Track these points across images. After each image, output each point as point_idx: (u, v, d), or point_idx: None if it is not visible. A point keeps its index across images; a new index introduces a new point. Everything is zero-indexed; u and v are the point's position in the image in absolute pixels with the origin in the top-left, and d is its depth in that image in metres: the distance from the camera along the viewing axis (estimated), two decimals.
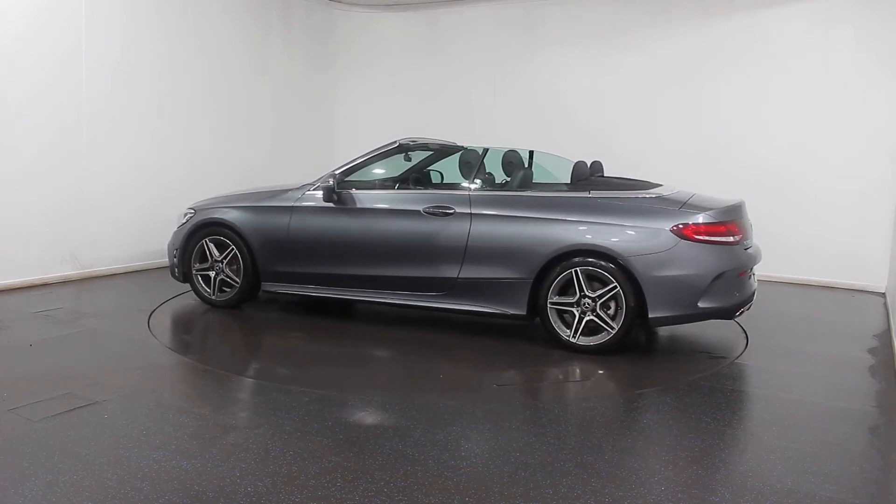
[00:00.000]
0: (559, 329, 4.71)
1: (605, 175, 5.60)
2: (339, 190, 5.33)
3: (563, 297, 4.68)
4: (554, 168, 5.68)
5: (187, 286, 5.98)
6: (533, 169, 5.71)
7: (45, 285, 6.31)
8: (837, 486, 2.92)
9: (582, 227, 4.64)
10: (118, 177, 6.96)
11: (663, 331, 5.36)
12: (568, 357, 4.63)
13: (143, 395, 3.75)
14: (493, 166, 5.54)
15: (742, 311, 4.72)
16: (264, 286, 5.58)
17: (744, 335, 5.32)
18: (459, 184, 5.56)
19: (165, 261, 6.03)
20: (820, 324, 6.08)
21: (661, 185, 5.14)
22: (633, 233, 4.55)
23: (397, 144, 5.51)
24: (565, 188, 5.16)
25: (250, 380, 4.13)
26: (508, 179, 5.42)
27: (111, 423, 3.33)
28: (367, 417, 3.62)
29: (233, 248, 5.59)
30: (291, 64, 9.12)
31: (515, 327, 5.27)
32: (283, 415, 3.51)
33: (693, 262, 4.46)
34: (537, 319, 4.82)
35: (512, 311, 4.83)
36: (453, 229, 4.96)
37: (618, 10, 8.34)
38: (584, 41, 8.56)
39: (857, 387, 4.38)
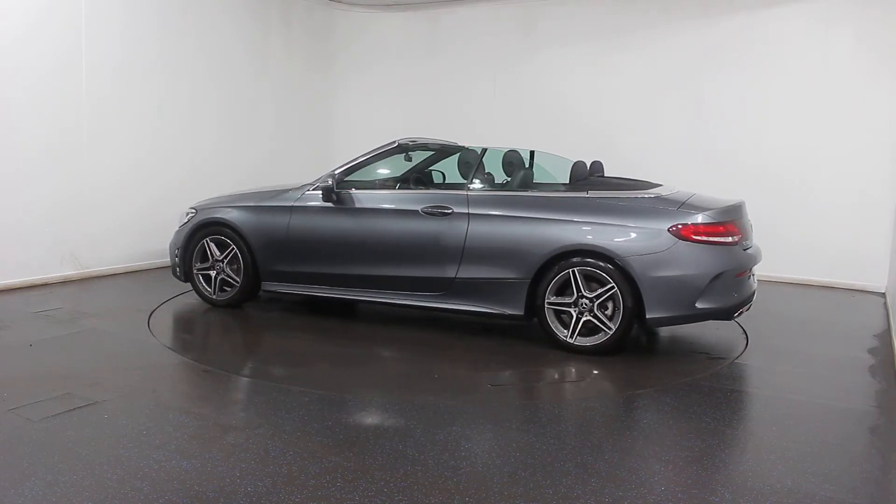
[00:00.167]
0: (557, 329, 4.70)
1: (605, 175, 5.60)
2: (338, 190, 5.34)
3: (560, 298, 4.68)
4: (554, 168, 5.68)
5: (187, 286, 5.99)
6: (533, 169, 5.70)
7: (45, 285, 6.31)
8: (837, 486, 2.92)
9: (579, 228, 4.64)
10: (118, 177, 6.96)
11: (664, 331, 5.36)
12: (565, 357, 4.63)
13: (143, 395, 3.75)
14: (494, 166, 5.54)
15: (741, 312, 4.71)
16: (264, 286, 5.59)
17: (744, 335, 5.32)
18: (457, 184, 5.56)
19: (166, 261, 6.04)
20: (820, 324, 6.08)
21: (660, 186, 5.14)
22: (630, 233, 4.54)
23: (396, 144, 5.51)
24: (563, 188, 5.15)
25: (250, 380, 4.13)
26: (509, 179, 5.42)
27: (111, 423, 3.33)
28: (367, 417, 3.62)
29: (233, 248, 5.61)
30: (291, 64, 9.12)
31: (514, 328, 5.27)
32: (283, 415, 3.51)
33: (691, 262, 4.45)
34: (535, 320, 4.82)
35: (510, 312, 4.83)
36: (451, 229, 4.97)
37: (618, 11, 8.34)
38: (584, 41, 8.57)
39: (857, 387, 4.39)
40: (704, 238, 4.48)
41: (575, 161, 5.24)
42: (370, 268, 5.22)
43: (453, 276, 4.95)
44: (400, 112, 9.44)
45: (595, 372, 4.41)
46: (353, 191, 5.38)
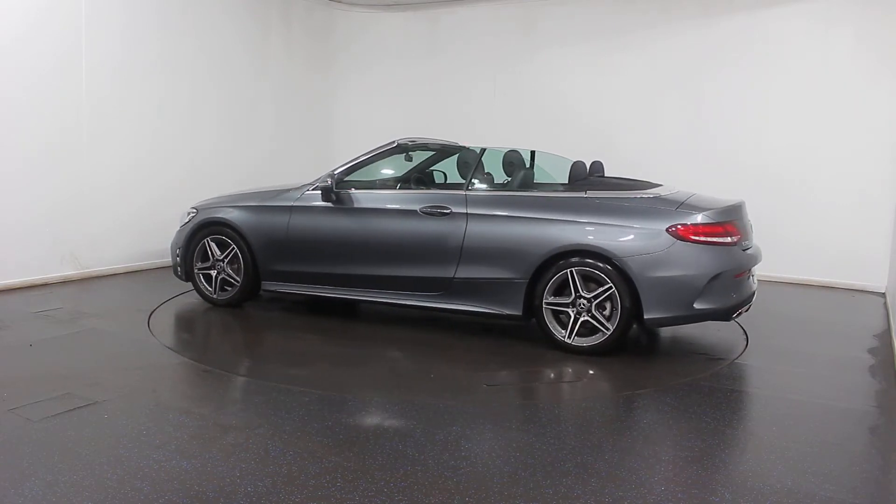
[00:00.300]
0: (554, 330, 4.69)
1: (605, 175, 5.60)
2: (337, 190, 5.35)
3: (558, 298, 4.67)
4: (555, 168, 5.67)
5: (187, 286, 6.00)
6: (534, 169, 5.70)
7: (45, 285, 6.31)
8: (837, 486, 2.92)
9: (577, 228, 4.63)
10: (118, 177, 6.96)
11: (664, 332, 5.36)
12: (563, 358, 4.62)
13: (143, 395, 3.75)
14: (494, 166, 5.53)
15: (740, 313, 4.69)
16: (264, 285, 5.60)
17: (744, 335, 5.32)
18: (456, 184, 5.55)
19: (166, 261, 6.05)
20: (820, 324, 6.08)
21: (660, 186, 5.14)
22: (628, 233, 4.53)
23: (396, 144, 5.52)
24: (562, 188, 5.15)
25: (250, 379, 4.13)
26: (509, 179, 5.42)
27: (111, 423, 3.33)
28: (367, 417, 3.62)
29: (233, 248, 5.62)
30: (291, 64, 9.12)
31: (513, 328, 5.27)
32: (283, 415, 3.51)
33: (689, 262, 4.44)
34: (534, 320, 4.82)
35: (508, 312, 4.83)
36: (449, 229, 4.97)
37: (618, 11, 8.34)
38: (584, 41, 8.57)
39: (857, 387, 4.38)
40: (703, 238, 4.46)
41: (574, 161, 5.24)
42: (369, 267, 5.22)
43: (452, 276, 4.95)
44: (400, 112, 9.44)
45: (594, 372, 4.41)
46: (353, 191, 5.38)
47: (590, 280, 4.59)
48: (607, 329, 4.55)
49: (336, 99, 9.81)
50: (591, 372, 4.41)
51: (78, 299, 5.98)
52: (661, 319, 4.56)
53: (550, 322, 4.71)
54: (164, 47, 7.31)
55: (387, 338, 5.14)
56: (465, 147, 5.79)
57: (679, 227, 4.46)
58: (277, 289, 5.58)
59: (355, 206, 5.33)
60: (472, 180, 5.23)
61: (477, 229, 4.90)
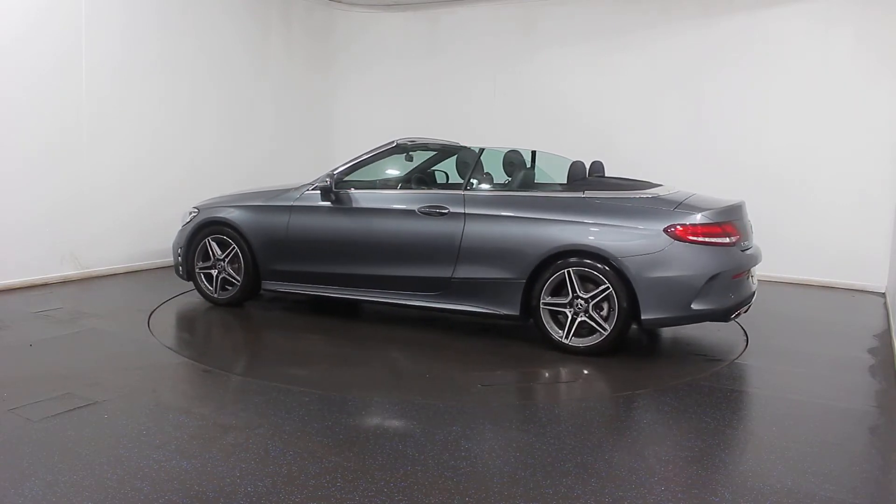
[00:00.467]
0: (552, 330, 4.69)
1: (605, 175, 5.59)
2: (336, 190, 5.35)
3: (555, 298, 4.66)
4: (555, 168, 5.67)
5: (187, 286, 6.00)
6: (534, 169, 5.70)
7: (45, 285, 6.31)
8: (837, 486, 2.92)
9: (574, 228, 4.62)
10: (118, 177, 6.96)
11: (665, 332, 5.36)
12: (561, 358, 4.61)
13: (143, 395, 3.75)
14: (494, 166, 5.53)
15: (739, 314, 4.67)
16: (264, 284, 5.61)
17: (744, 335, 5.32)
18: (455, 184, 5.55)
19: (165, 261, 6.05)
20: (820, 324, 6.08)
21: (661, 186, 5.13)
22: (625, 233, 4.52)
23: (395, 144, 5.52)
24: (560, 188, 5.15)
25: (250, 380, 4.13)
26: (510, 179, 5.41)
27: (111, 423, 3.33)
28: (367, 417, 3.62)
29: (234, 247, 5.63)
30: (291, 64, 9.12)
31: (511, 328, 5.27)
32: (283, 415, 3.51)
33: (687, 263, 4.42)
34: (531, 320, 4.81)
35: (505, 312, 4.82)
36: (447, 229, 4.97)
37: (618, 11, 8.34)
38: (584, 41, 8.57)
39: (857, 387, 4.38)
40: (701, 239, 4.44)
41: (573, 161, 5.23)
42: (368, 267, 5.22)
43: (449, 276, 4.95)
44: (400, 112, 9.44)
45: (593, 373, 4.40)
46: (352, 191, 5.39)
47: (587, 280, 4.58)
48: (605, 330, 4.54)
49: (336, 99, 9.82)
50: (589, 372, 4.40)
51: (78, 299, 5.98)
52: (658, 320, 4.55)
53: (548, 322, 4.70)
54: (164, 47, 7.31)
55: (387, 338, 5.14)
56: (464, 147, 5.79)
57: (677, 227, 4.45)
58: (277, 288, 5.58)
59: (354, 205, 5.34)
60: (471, 180, 5.23)
61: (474, 229, 4.90)
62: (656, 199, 4.71)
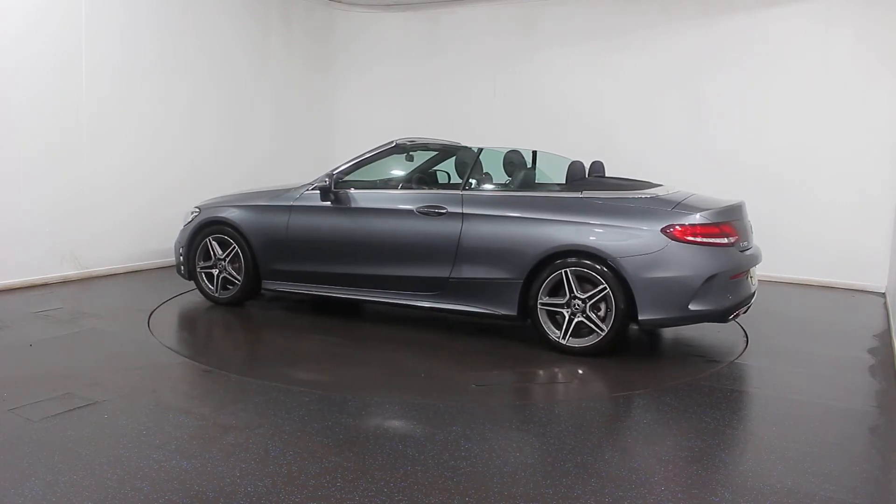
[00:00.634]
0: (549, 330, 4.68)
1: (605, 175, 5.59)
2: (335, 189, 5.36)
3: (553, 298, 4.66)
4: (555, 168, 5.67)
5: (187, 286, 6.01)
6: (535, 169, 5.70)
7: (45, 285, 6.31)
8: (837, 486, 2.92)
9: (572, 228, 4.61)
10: (118, 177, 6.96)
11: (665, 332, 5.36)
12: (558, 358, 4.60)
13: (143, 395, 3.75)
14: (495, 166, 5.53)
15: (737, 315, 4.65)
16: (264, 284, 5.62)
17: (744, 335, 5.31)
18: (453, 184, 5.55)
19: (165, 261, 6.05)
20: (820, 324, 6.08)
21: (661, 186, 5.12)
22: (623, 233, 4.50)
23: (394, 144, 5.52)
24: (558, 188, 5.14)
25: (250, 379, 4.13)
26: (510, 179, 5.41)
27: (111, 423, 3.34)
28: (367, 417, 3.62)
29: (234, 247, 5.65)
30: (291, 64, 9.12)
31: (510, 328, 5.27)
32: (283, 415, 3.51)
33: (684, 263, 4.40)
34: (529, 321, 4.80)
35: (503, 312, 4.82)
36: (445, 229, 4.96)
37: (618, 11, 8.34)
38: (584, 41, 8.57)
39: (857, 387, 4.38)
40: (699, 239, 4.43)
41: (572, 161, 5.22)
42: (366, 267, 5.22)
43: (447, 275, 4.95)
44: (400, 112, 9.44)
45: (592, 373, 4.40)
46: (351, 190, 5.39)
47: (585, 280, 4.57)
48: (602, 330, 4.53)
49: (336, 99, 9.82)
50: (589, 373, 4.40)
51: (78, 299, 5.98)
52: (655, 321, 4.53)
53: (545, 323, 4.70)
54: (164, 47, 7.31)
55: (388, 338, 5.14)
56: (464, 147, 5.78)
57: (674, 227, 4.44)
58: (277, 288, 5.59)
59: (353, 205, 5.34)
60: (470, 180, 5.23)
61: (472, 229, 4.90)
62: (654, 199, 4.70)
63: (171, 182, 7.43)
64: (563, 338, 4.63)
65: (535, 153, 5.82)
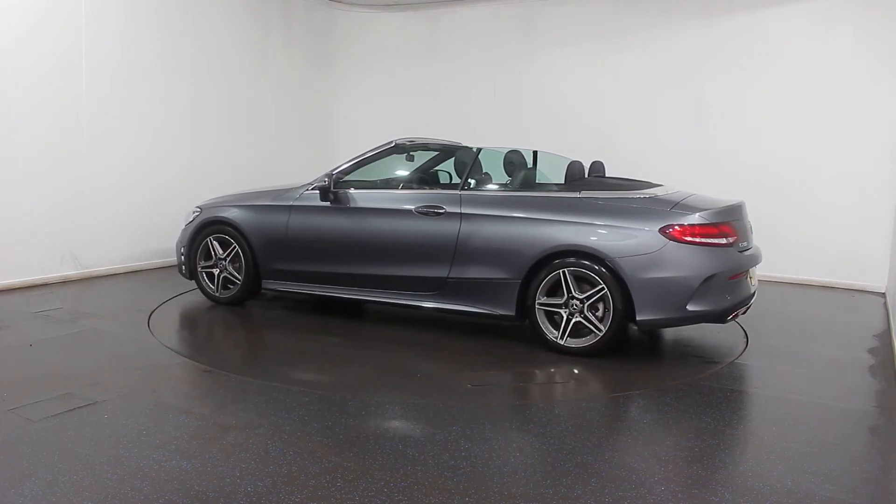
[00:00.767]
0: (547, 330, 4.67)
1: (604, 175, 5.58)
2: (335, 189, 5.36)
3: (551, 299, 4.65)
4: (556, 168, 5.66)
5: (187, 286, 6.01)
6: (536, 169, 5.69)
7: (45, 285, 6.31)
8: (837, 486, 2.92)
9: (570, 228, 4.60)
10: (118, 177, 6.96)
11: (665, 333, 5.36)
12: (557, 359, 4.59)
13: (143, 395, 3.75)
14: (495, 166, 5.53)
15: (736, 315, 4.63)
16: (264, 284, 5.63)
17: (744, 335, 5.31)
18: (452, 184, 5.54)
19: (165, 260, 6.05)
20: (820, 324, 6.08)
21: (661, 186, 5.11)
22: (621, 234, 4.49)
23: (394, 144, 5.52)
24: (557, 188, 5.14)
25: (250, 379, 4.13)
26: (510, 179, 5.41)
27: (111, 423, 3.34)
28: (367, 417, 3.62)
29: (235, 247, 5.66)
30: (291, 64, 9.12)
31: (509, 329, 5.26)
32: (283, 415, 3.51)
33: (682, 263, 4.39)
34: (527, 321, 4.80)
35: (501, 312, 4.81)
36: (443, 229, 4.96)
37: (618, 11, 8.34)
38: (584, 41, 8.57)
39: (857, 387, 4.38)
40: (697, 239, 4.41)
41: (571, 161, 5.22)
42: (365, 267, 5.23)
43: (446, 275, 4.95)
44: (400, 112, 9.44)
45: (591, 373, 4.40)
46: (351, 190, 5.39)
47: (583, 281, 4.56)
48: (600, 330, 4.52)
49: (336, 99, 9.82)
50: (589, 373, 4.40)
51: (78, 299, 5.98)
52: (653, 321, 4.51)
53: (543, 323, 4.69)
54: (164, 47, 7.31)
55: (388, 337, 5.14)
56: (463, 146, 5.78)
57: (673, 227, 4.43)
58: (277, 287, 5.60)
59: (352, 205, 5.34)
60: (468, 180, 5.22)
61: (471, 229, 4.90)
62: (653, 199, 4.69)
63: (171, 182, 7.43)
64: (561, 338, 4.63)
65: (535, 153, 5.82)
